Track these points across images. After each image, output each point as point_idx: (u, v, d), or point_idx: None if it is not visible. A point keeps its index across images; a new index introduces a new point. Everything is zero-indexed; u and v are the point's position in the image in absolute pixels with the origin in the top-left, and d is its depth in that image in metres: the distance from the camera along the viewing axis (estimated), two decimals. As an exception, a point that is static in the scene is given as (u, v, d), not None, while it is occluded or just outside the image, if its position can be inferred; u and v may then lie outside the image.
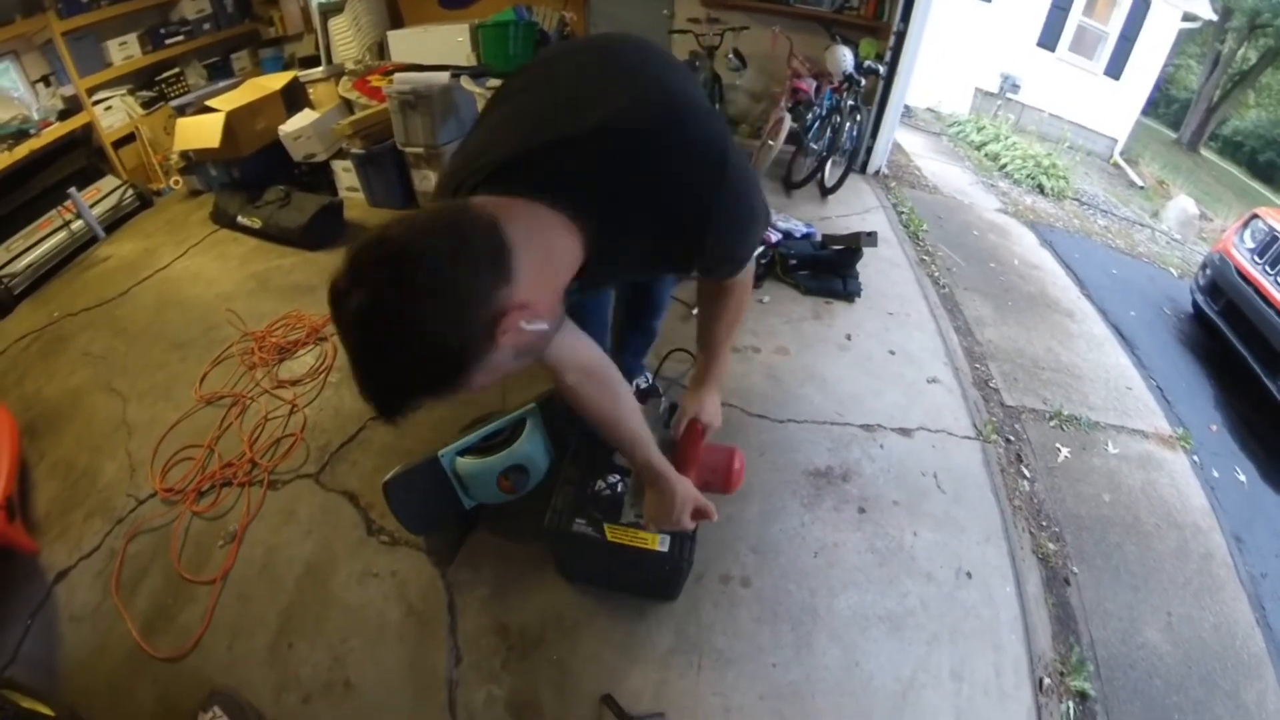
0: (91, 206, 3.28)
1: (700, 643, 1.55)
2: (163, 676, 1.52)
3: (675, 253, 0.88)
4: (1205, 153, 14.46)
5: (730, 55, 3.67)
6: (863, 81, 3.49)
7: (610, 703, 1.42)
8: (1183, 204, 6.86)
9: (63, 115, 3.31)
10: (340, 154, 3.32)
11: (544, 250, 0.72)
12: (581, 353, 1.02)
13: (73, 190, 3.17)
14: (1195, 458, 2.47)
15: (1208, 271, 3.46)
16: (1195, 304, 3.54)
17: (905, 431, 2.17)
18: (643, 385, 2.12)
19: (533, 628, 1.57)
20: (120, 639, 1.59)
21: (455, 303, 0.62)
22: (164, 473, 1.98)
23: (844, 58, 3.38)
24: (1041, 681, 1.59)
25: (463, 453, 1.64)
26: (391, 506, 1.61)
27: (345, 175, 3.37)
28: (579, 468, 1.52)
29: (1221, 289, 3.28)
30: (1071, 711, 1.57)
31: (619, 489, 1.48)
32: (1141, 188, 8.34)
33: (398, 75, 3.02)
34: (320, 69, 3.59)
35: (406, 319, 0.60)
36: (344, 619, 1.60)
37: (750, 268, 1.10)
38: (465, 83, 2.95)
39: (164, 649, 1.56)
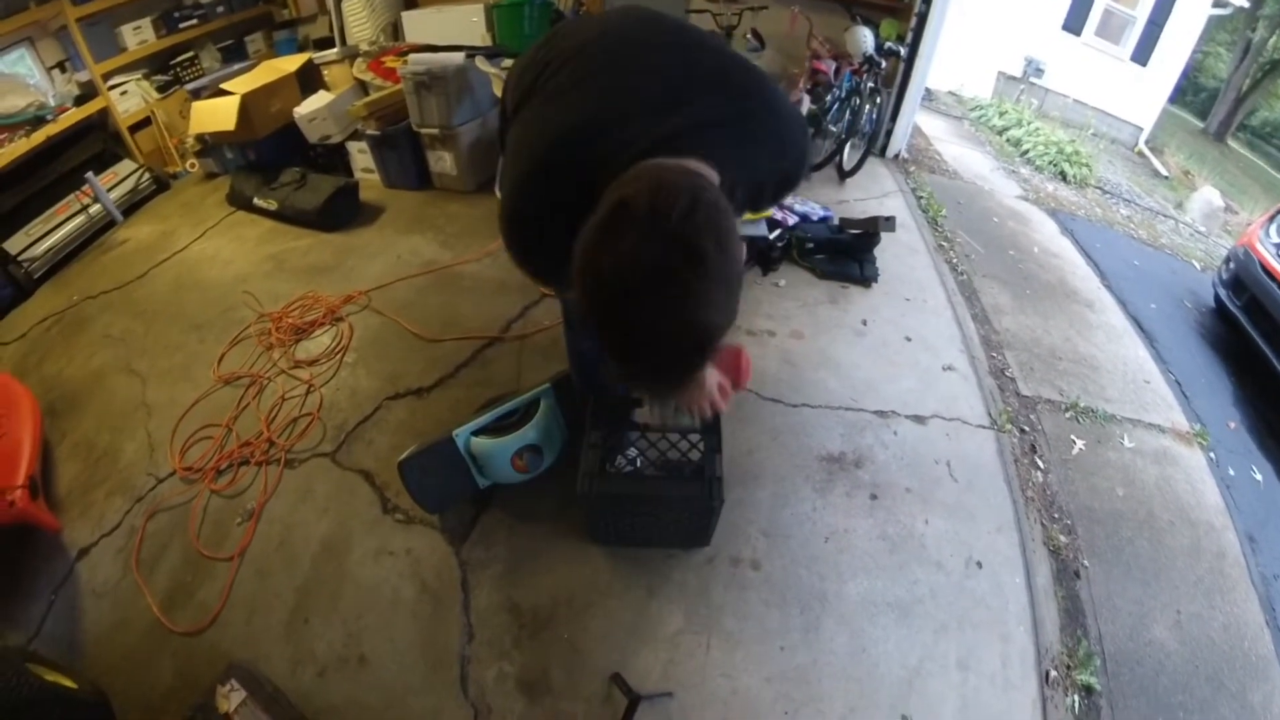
0: (109, 190, 3.31)
1: (709, 624, 1.57)
2: (182, 651, 1.56)
3: (768, 197, 1.06)
4: (1232, 143, 14.06)
5: (748, 35, 3.60)
6: (883, 63, 3.43)
7: (619, 681, 1.44)
8: (1208, 195, 6.69)
9: (79, 100, 3.33)
10: (355, 135, 3.32)
11: None
12: None
13: (90, 175, 3.20)
14: (1212, 455, 2.43)
15: (1231, 265, 3.37)
16: (1217, 298, 3.46)
17: (919, 419, 2.16)
18: None
19: (544, 606, 1.59)
20: (140, 614, 1.63)
21: (737, 257, 0.70)
22: (183, 452, 2.01)
23: (864, 39, 3.32)
24: (1048, 674, 1.59)
25: (477, 432, 1.66)
26: (407, 485, 1.63)
27: (360, 156, 3.37)
28: (600, 430, 1.55)
29: (1245, 284, 3.21)
30: (1076, 705, 1.57)
31: (639, 463, 1.52)
32: (1166, 178, 8.15)
33: (412, 56, 3.01)
34: (334, 50, 3.58)
35: (726, 282, 0.67)
36: (359, 596, 1.62)
37: None
38: (480, 63, 2.93)
39: (183, 624, 1.60)
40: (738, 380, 1.34)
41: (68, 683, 1.34)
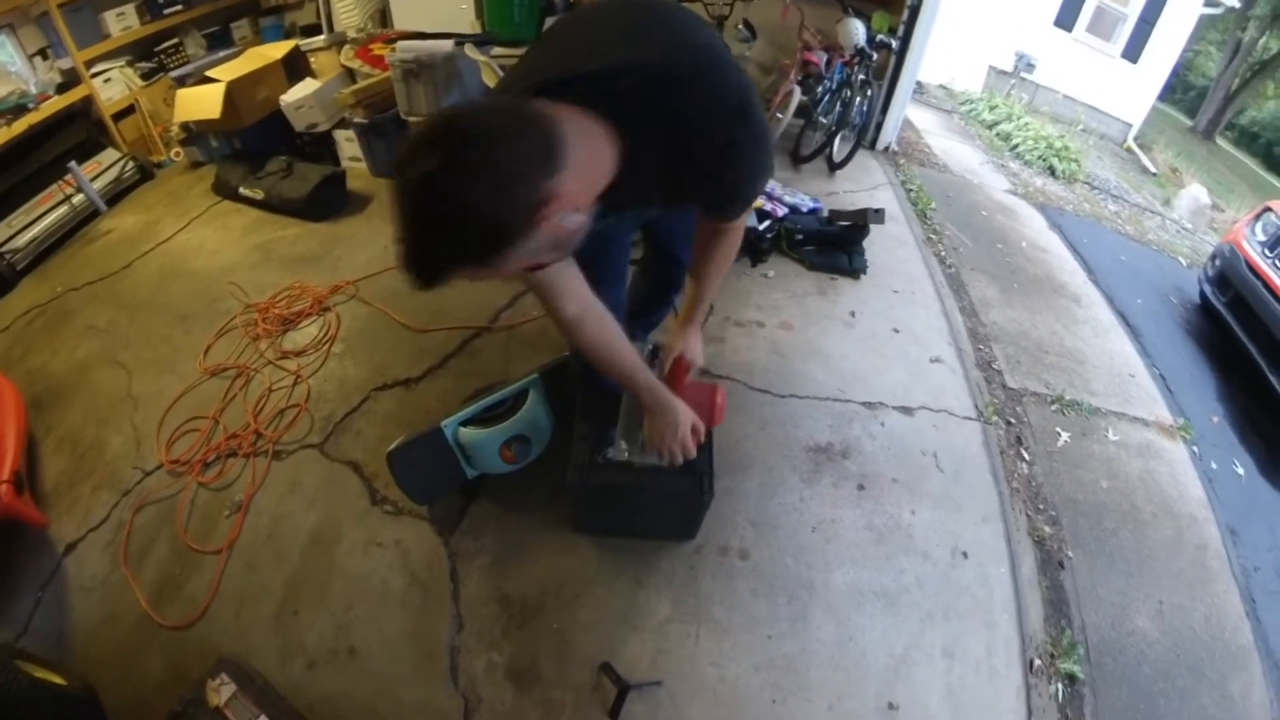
0: (92, 180, 3.25)
1: (698, 613, 1.58)
2: (171, 645, 1.55)
3: (694, 183, 0.99)
4: (1220, 142, 14.22)
5: (740, 26, 3.59)
6: (874, 56, 3.43)
7: (608, 671, 1.45)
8: (1195, 193, 6.76)
9: (61, 88, 3.26)
10: (343, 124, 3.28)
11: (589, 152, 0.80)
12: (580, 287, 1.09)
13: (73, 164, 3.14)
14: (1195, 448, 2.46)
15: (1217, 263, 3.41)
16: (1203, 295, 3.50)
17: (907, 410, 2.18)
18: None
19: (533, 596, 1.59)
20: (129, 609, 1.62)
21: (501, 182, 0.69)
22: (169, 445, 1.99)
23: (856, 31, 3.32)
24: (1032, 662, 1.61)
25: (465, 423, 1.65)
26: (395, 476, 1.63)
27: (348, 145, 3.33)
28: (590, 423, 1.55)
29: (1230, 281, 3.25)
30: (1060, 693, 1.59)
31: (627, 455, 1.52)
32: (1154, 174, 8.22)
33: (400, 43, 2.97)
34: (322, 37, 3.53)
35: (454, 191, 0.67)
36: (348, 587, 1.62)
37: (745, 214, 1.19)
38: (469, 51, 2.90)
39: (172, 618, 1.59)
40: (710, 420, 1.34)
41: (56, 679, 1.33)
